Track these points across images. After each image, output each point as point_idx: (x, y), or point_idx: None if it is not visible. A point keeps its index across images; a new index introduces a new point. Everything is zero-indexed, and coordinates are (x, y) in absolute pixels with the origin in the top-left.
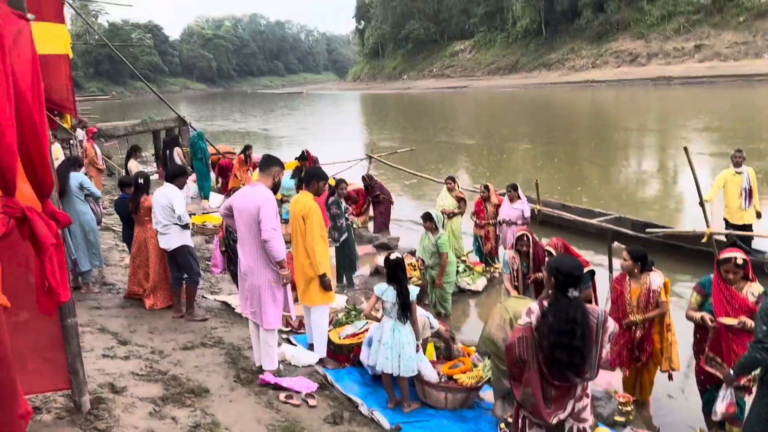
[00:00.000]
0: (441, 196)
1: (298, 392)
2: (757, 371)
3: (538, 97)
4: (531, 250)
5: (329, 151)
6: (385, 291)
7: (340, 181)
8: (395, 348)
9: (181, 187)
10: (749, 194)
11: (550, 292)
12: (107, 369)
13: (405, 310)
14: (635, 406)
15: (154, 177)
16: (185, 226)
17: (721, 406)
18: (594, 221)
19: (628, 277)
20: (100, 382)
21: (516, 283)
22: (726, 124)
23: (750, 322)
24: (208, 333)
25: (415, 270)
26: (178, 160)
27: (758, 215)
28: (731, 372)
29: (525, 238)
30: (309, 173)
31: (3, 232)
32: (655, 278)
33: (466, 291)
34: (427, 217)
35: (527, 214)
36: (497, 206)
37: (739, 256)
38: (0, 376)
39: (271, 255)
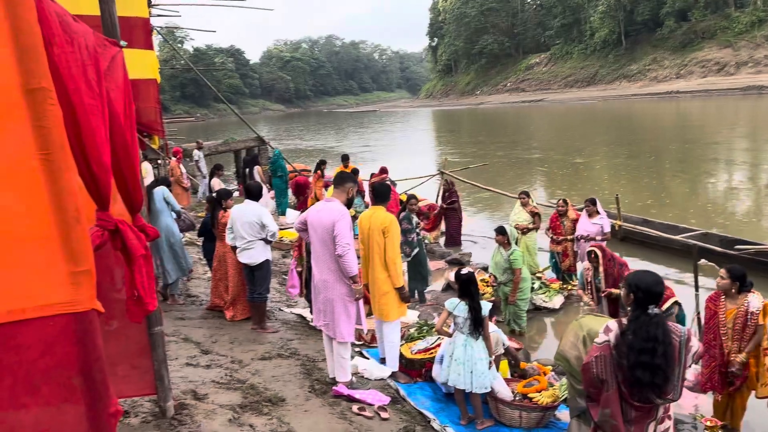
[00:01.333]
0: (514, 211)
1: (370, 405)
2: None
3: (618, 109)
4: (602, 267)
5: (401, 166)
6: (457, 306)
7: (411, 197)
8: (467, 364)
9: None
10: None
11: (629, 309)
12: (190, 377)
13: (477, 326)
14: None
15: (236, 194)
16: (269, 242)
17: None
18: (678, 237)
19: (723, 296)
20: (183, 389)
21: (590, 296)
22: None
23: None
24: (285, 344)
25: (487, 286)
26: (258, 178)
27: None
28: None
29: (593, 255)
30: (380, 191)
31: (97, 243)
32: (754, 300)
33: (542, 308)
34: (501, 231)
35: (607, 229)
36: (574, 221)
37: None
38: (94, 375)
39: (344, 270)
